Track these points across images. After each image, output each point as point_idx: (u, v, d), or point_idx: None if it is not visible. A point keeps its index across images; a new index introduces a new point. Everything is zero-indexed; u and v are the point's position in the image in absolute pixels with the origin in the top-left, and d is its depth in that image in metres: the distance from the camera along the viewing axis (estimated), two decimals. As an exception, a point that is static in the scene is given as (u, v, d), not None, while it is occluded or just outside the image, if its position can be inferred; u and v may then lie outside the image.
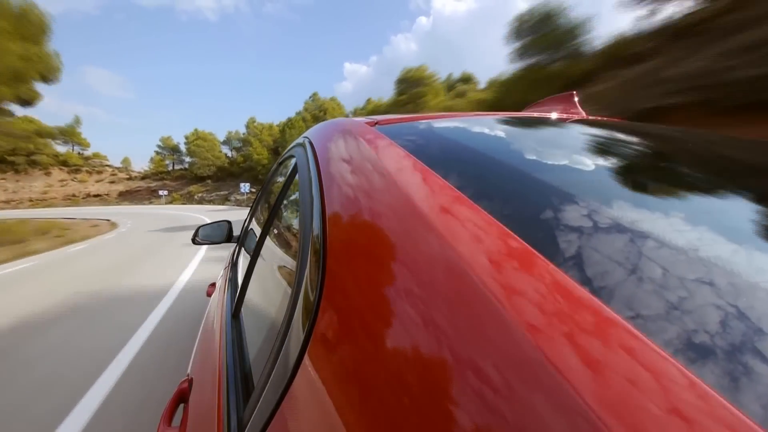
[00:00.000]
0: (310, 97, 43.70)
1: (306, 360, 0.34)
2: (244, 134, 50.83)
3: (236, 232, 1.78)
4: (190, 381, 0.88)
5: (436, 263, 0.30)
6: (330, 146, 0.64)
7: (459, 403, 0.21)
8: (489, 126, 0.78)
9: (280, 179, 1.03)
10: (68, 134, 50.93)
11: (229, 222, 1.84)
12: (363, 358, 0.29)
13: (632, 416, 0.17)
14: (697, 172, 0.54)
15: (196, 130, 51.32)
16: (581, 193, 0.40)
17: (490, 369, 0.22)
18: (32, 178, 48.98)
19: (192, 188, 51.75)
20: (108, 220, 20.28)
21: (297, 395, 0.34)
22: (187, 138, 52.56)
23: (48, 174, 48.50)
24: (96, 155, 63.73)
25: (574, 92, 1.10)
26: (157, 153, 60.42)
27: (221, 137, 54.57)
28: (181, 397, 0.84)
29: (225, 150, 54.72)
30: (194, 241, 1.81)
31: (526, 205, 0.38)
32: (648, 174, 0.57)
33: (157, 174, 60.20)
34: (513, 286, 0.26)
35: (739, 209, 0.44)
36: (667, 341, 0.21)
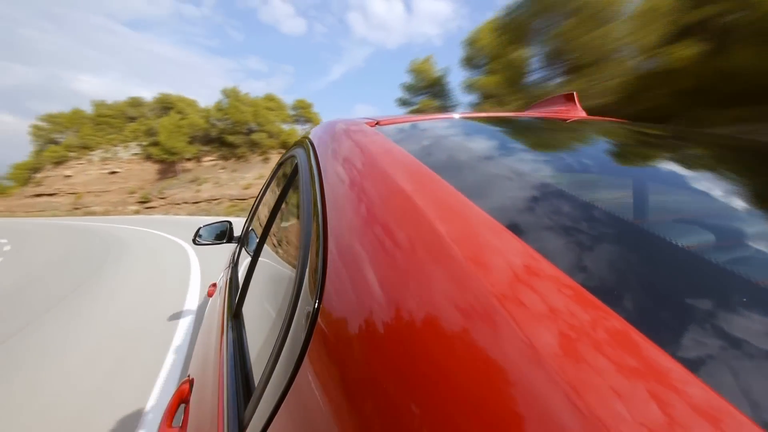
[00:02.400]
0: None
1: (306, 360, 0.34)
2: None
3: (236, 232, 1.75)
4: (191, 381, 0.86)
5: (437, 263, 0.30)
6: (331, 146, 0.64)
7: (459, 403, 0.21)
8: (489, 126, 0.79)
9: (281, 179, 1.03)
10: (302, 108, 38.54)
11: (229, 222, 1.82)
12: (363, 358, 0.29)
13: (632, 416, 0.17)
14: (697, 172, 0.54)
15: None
16: (581, 193, 0.40)
17: (492, 369, 0.22)
18: (249, 165, 35.21)
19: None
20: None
21: (297, 396, 0.34)
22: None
23: (266, 160, 34.64)
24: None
25: (575, 92, 1.09)
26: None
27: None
28: (182, 397, 0.82)
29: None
30: (195, 242, 1.79)
31: (526, 205, 0.38)
32: (648, 173, 0.59)
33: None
34: (513, 286, 0.26)
35: (739, 209, 0.43)
36: (664, 339, 0.21)
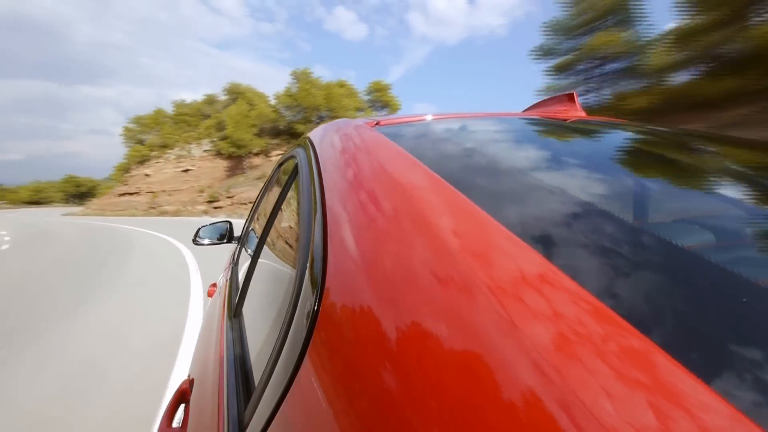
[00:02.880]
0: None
1: (307, 360, 0.34)
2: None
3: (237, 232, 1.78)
4: (191, 381, 0.88)
5: (437, 264, 0.30)
6: (331, 147, 0.64)
7: (459, 403, 0.21)
8: (490, 126, 0.78)
9: (281, 180, 1.04)
10: (378, 91, 34.06)
11: (229, 222, 1.84)
12: (363, 358, 0.29)
13: (632, 416, 0.17)
14: (697, 172, 0.54)
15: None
16: (581, 193, 0.40)
17: (492, 370, 0.22)
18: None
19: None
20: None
21: (298, 396, 0.34)
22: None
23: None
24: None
25: (575, 92, 1.10)
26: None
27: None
28: (182, 397, 0.84)
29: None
30: (195, 242, 1.81)
31: (527, 206, 0.38)
32: (648, 173, 0.57)
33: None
34: (515, 286, 0.26)
35: (740, 208, 0.44)
36: (664, 339, 0.21)
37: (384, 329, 0.29)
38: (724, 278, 0.28)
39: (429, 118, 0.80)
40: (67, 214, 40.82)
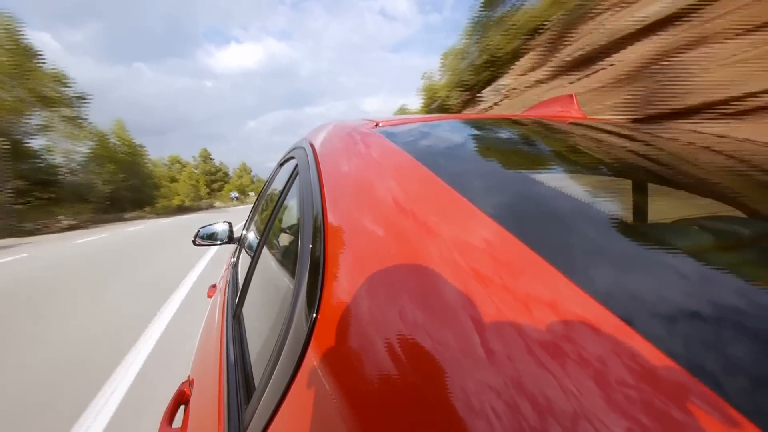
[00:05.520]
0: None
1: (307, 361, 0.34)
2: None
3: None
4: (191, 382, 0.88)
5: (437, 264, 0.30)
6: (330, 148, 0.64)
7: (460, 402, 0.21)
8: (490, 128, 0.78)
9: (281, 180, 1.03)
10: None
11: (229, 223, 1.84)
12: (364, 359, 0.29)
13: (631, 417, 0.17)
14: (697, 173, 0.54)
15: None
16: (582, 194, 0.40)
17: (492, 369, 0.22)
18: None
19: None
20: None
21: (298, 396, 0.34)
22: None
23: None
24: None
25: (574, 94, 1.11)
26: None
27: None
28: (182, 398, 0.84)
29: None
30: (194, 243, 1.80)
31: (526, 207, 0.39)
32: (647, 174, 0.58)
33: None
34: (513, 287, 0.26)
35: (738, 209, 0.44)
36: (663, 339, 0.21)
37: (384, 330, 0.29)
38: (725, 278, 0.28)
39: (428, 119, 0.80)
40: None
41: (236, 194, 60.73)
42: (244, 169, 76.85)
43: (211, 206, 50.72)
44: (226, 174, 69.18)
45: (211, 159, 66.04)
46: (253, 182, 76.89)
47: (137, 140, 34.49)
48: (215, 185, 65.27)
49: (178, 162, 55.89)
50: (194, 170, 60.09)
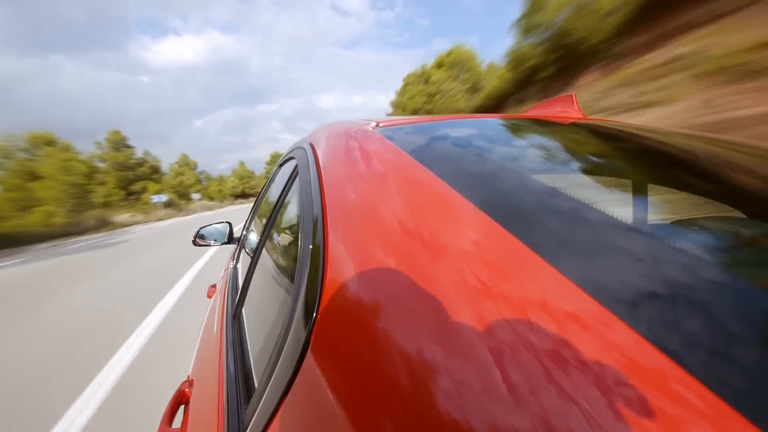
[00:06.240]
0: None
1: (307, 361, 0.34)
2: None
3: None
4: (191, 382, 0.88)
5: (436, 264, 0.30)
6: (330, 148, 0.64)
7: (460, 402, 0.21)
8: (490, 128, 0.78)
9: (281, 181, 1.03)
10: None
11: (229, 223, 1.84)
12: (364, 359, 0.29)
13: (631, 418, 0.17)
14: (696, 174, 0.54)
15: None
16: (582, 195, 0.40)
17: (492, 369, 0.22)
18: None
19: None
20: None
21: (298, 396, 0.34)
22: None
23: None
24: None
25: (574, 94, 1.11)
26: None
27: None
28: (182, 398, 0.84)
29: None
30: (194, 243, 1.81)
31: (526, 207, 0.39)
32: (647, 175, 0.58)
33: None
34: (513, 287, 0.26)
35: (737, 210, 0.44)
36: (662, 339, 0.21)
37: (384, 329, 0.29)
38: (724, 278, 0.28)
39: (428, 119, 0.80)
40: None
41: (164, 197, 39.22)
42: (186, 164, 53.82)
43: (105, 224, 26.52)
44: (155, 169, 45.00)
45: (128, 146, 41.00)
46: (200, 181, 56.46)
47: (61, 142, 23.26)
48: (137, 186, 41.21)
49: (50, 143, 27.52)
50: (98, 163, 35.91)
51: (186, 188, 49.42)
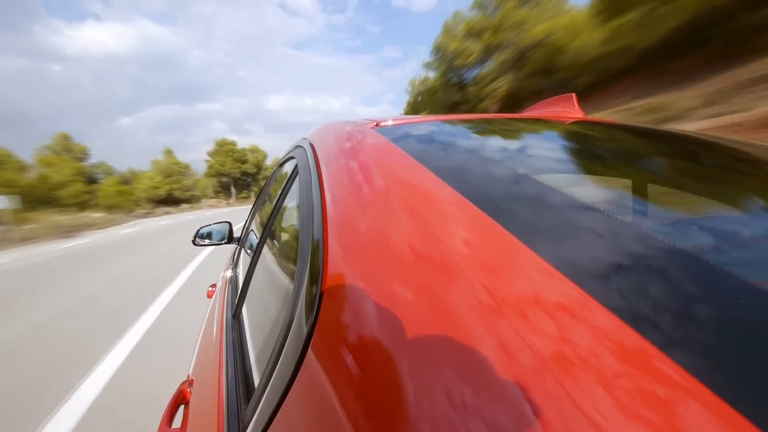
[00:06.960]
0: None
1: (307, 361, 0.34)
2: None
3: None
4: (191, 382, 0.88)
5: (436, 263, 0.30)
6: (330, 148, 0.64)
7: (461, 402, 0.21)
8: (489, 128, 0.78)
9: (281, 180, 1.04)
10: None
11: (229, 223, 1.84)
12: (364, 358, 0.29)
13: (630, 417, 0.17)
14: (696, 174, 0.54)
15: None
16: (582, 195, 0.40)
17: (492, 368, 0.22)
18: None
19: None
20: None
21: (298, 396, 0.34)
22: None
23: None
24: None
25: (574, 94, 1.11)
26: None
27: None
28: (182, 398, 0.84)
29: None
30: (194, 243, 1.81)
31: (526, 207, 0.39)
32: (646, 174, 0.57)
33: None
34: (512, 287, 0.26)
35: (737, 210, 0.44)
36: (661, 339, 0.21)
37: (385, 329, 0.29)
38: (723, 278, 0.28)
39: (428, 119, 0.80)
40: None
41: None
42: (67, 150, 34.65)
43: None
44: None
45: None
46: (96, 179, 37.54)
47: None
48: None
49: None
50: None
51: (52, 188, 28.72)
